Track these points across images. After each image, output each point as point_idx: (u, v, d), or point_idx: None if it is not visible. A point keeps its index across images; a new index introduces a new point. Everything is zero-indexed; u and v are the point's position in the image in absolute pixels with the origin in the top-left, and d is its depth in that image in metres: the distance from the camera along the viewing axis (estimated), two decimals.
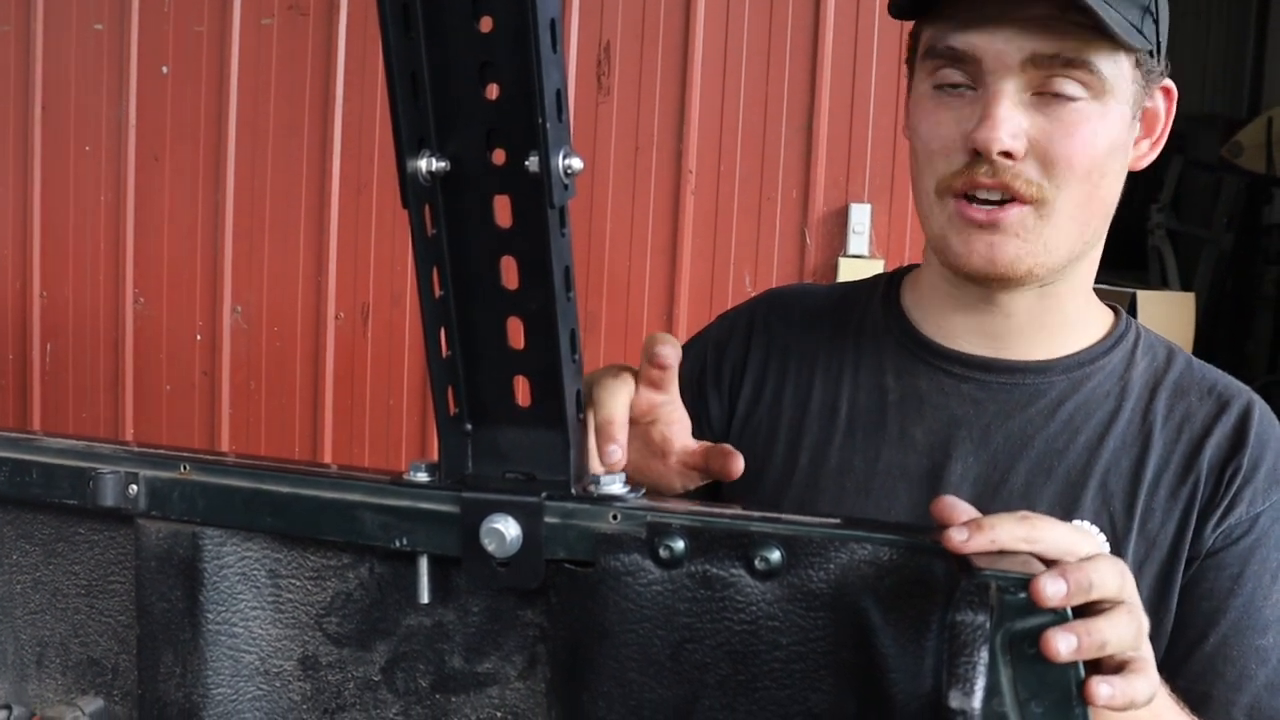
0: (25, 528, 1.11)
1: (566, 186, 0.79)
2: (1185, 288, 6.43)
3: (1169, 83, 1.20)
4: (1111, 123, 1.12)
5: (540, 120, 0.77)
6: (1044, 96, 1.10)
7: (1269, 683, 1.13)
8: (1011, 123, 1.09)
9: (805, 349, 1.30)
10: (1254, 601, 1.14)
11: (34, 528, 1.10)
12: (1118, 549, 1.15)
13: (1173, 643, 1.16)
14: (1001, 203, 1.11)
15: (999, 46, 1.09)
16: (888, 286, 1.33)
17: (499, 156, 0.80)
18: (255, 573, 0.99)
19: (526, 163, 0.78)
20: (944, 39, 1.12)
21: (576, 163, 0.79)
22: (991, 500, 1.17)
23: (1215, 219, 7.20)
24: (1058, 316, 1.22)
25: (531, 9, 0.75)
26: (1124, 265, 6.68)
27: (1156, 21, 1.13)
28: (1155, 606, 1.15)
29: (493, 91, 0.79)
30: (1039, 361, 1.22)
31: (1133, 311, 4.68)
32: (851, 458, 1.23)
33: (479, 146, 0.80)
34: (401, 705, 0.98)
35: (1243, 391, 1.22)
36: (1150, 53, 1.13)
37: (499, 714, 0.96)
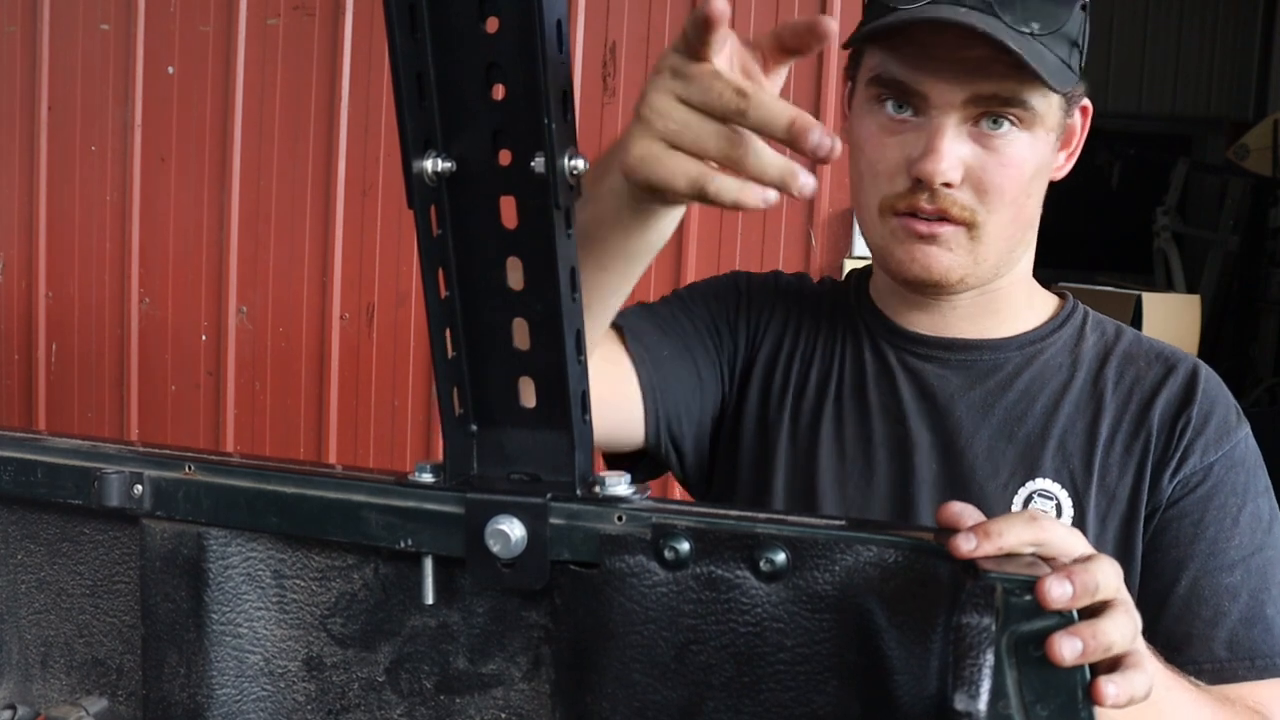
0: (30, 527, 1.11)
1: (572, 187, 0.79)
2: (1191, 290, 6.42)
3: (1087, 102, 1.29)
4: (1040, 150, 1.23)
5: (546, 121, 0.77)
6: (980, 128, 1.20)
7: (1243, 616, 1.20)
8: (953, 155, 1.19)
9: (809, 326, 1.41)
10: (1218, 543, 1.22)
11: (39, 527, 1.10)
12: (1080, 504, 1.24)
13: (1149, 592, 1.23)
14: (940, 219, 1.21)
15: (944, 86, 1.18)
16: (858, 281, 1.44)
17: (505, 157, 0.80)
18: (260, 573, 0.99)
19: (532, 163, 0.78)
20: (892, 73, 1.20)
21: (582, 163, 0.79)
22: (958, 465, 1.27)
23: (1221, 221, 7.19)
24: (1001, 305, 1.33)
25: (538, 10, 0.75)
26: (1129, 268, 6.69)
27: (1081, 52, 1.22)
28: (1121, 556, 1.22)
29: (499, 92, 0.79)
30: (993, 340, 1.32)
31: (1138, 313, 4.67)
32: (841, 428, 1.33)
33: (485, 147, 0.80)
34: (406, 706, 0.98)
35: (1188, 357, 1.31)
36: (1077, 79, 1.22)
37: (503, 715, 0.96)
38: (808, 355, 1.39)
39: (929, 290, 1.28)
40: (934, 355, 1.33)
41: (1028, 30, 1.15)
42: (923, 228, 1.22)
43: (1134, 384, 1.28)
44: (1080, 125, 1.30)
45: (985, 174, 1.20)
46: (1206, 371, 1.30)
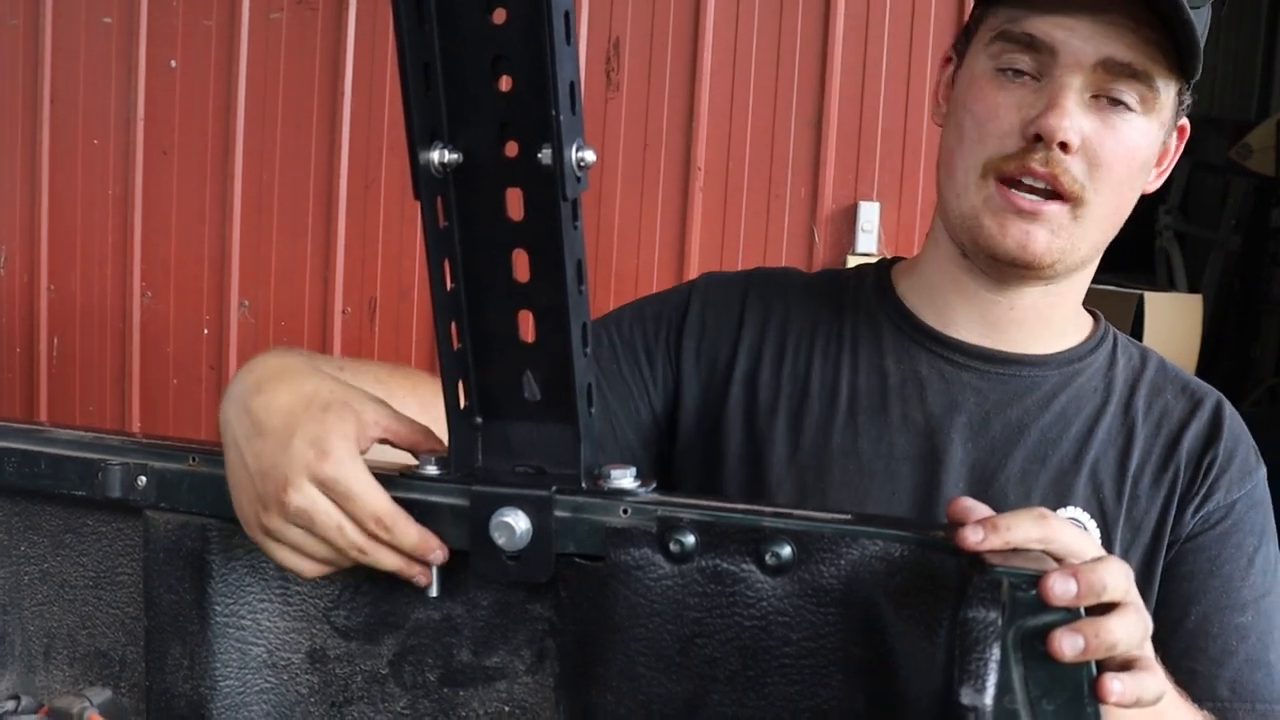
0: (33, 519, 1.11)
1: (579, 179, 0.79)
2: (1192, 290, 6.41)
3: (1185, 122, 1.24)
4: (1152, 139, 1.18)
5: (554, 112, 0.76)
6: (1100, 100, 1.14)
7: (1249, 658, 1.18)
8: (1077, 116, 1.13)
9: (802, 327, 1.31)
10: (1231, 582, 1.20)
11: (42, 519, 1.10)
12: (1108, 534, 1.20)
13: (1157, 622, 1.18)
14: (1045, 196, 1.15)
15: (1077, 44, 1.12)
16: (878, 273, 1.34)
17: (511, 149, 0.80)
18: (263, 565, 0.99)
19: (539, 155, 0.78)
20: (1023, 25, 1.15)
21: (589, 155, 0.79)
22: (989, 486, 1.21)
23: (1223, 221, 7.18)
24: (1057, 315, 1.27)
25: (545, 1, 0.74)
26: (1131, 267, 6.67)
27: (1202, 55, 1.15)
28: (1140, 588, 1.16)
29: (506, 83, 0.78)
30: (1034, 355, 1.26)
31: (1140, 313, 4.66)
32: (856, 440, 1.24)
33: (491, 139, 0.80)
34: (409, 699, 0.98)
35: (1212, 391, 1.29)
36: (1188, 86, 1.18)
37: (507, 708, 0.95)
38: (802, 361, 1.29)
39: (1017, 269, 1.19)
40: (970, 365, 1.25)
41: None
42: (1025, 204, 1.15)
43: (1162, 415, 1.25)
44: (1176, 146, 1.25)
45: (1101, 149, 1.14)
46: (1230, 409, 1.27)
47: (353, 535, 0.89)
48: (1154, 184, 1.24)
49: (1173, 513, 1.21)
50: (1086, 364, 1.27)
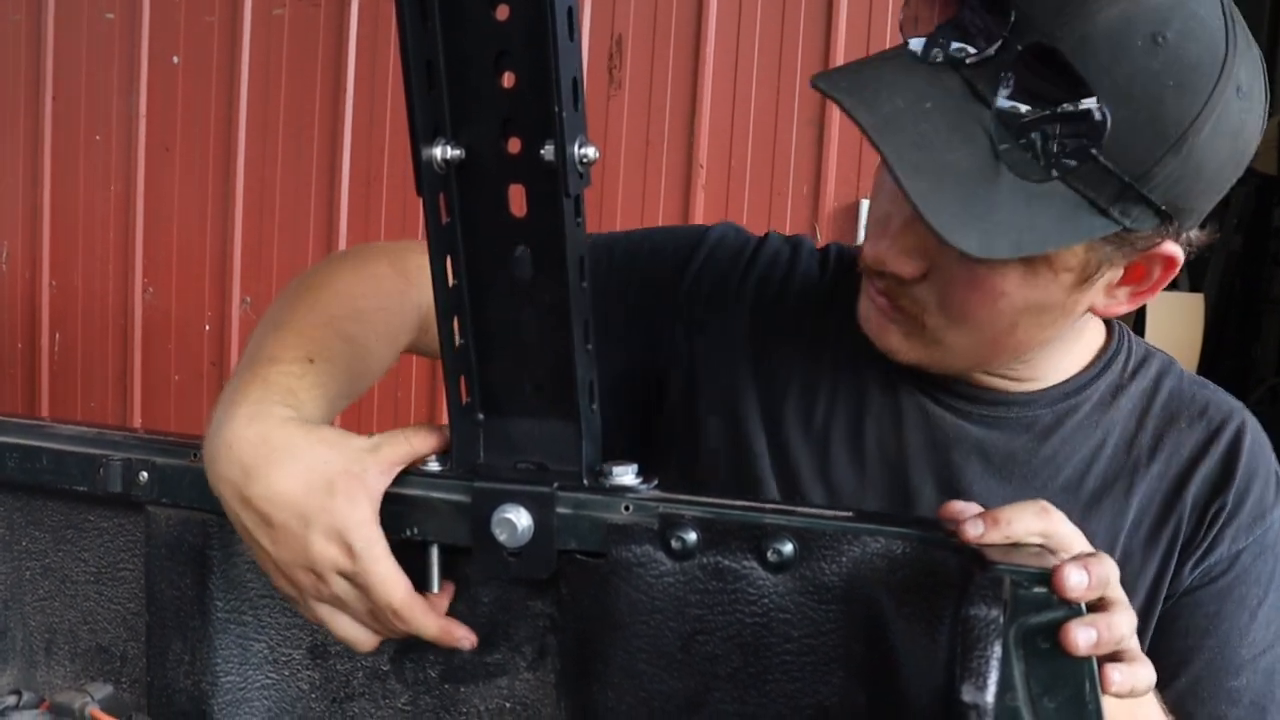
0: (34, 514, 1.11)
1: (581, 175, 0.79)
2: (1194, 289, 6.41)
3: (1174, 251, 0.99)
4: (1039, 290, 0.99)
5: (556, 109, 0.76)
6: None
7: None
8: (907, 245, 1.00)
9: (794, 325, 1.21)
10: (1229, 641, 1.11)
11: (43, 514, 1.10)
12: None
13: None
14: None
15: None
16: None
17: (514, 145, 0.80)
18: None
19: (542, 151, 0.78)
20: None
21: (592, 152, 0.79)
22: None
23: (1225, 221, 7.18)
24: (1034, 369, 1.14)
25: None
26: None
27: (1150, 200, 0.92)
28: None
29: (509, 80, 0.79)
30: (1024, 393, 1.14)
31: (1141, 313, 4.65)
32: (829, 465, 1.16)
33: (494, 135, 0.80)
34: (410, 695, 0.98)
35: (1234, 413, 1.15)
36: (1126, 229, 0.93)
37: (508, 704, 0.95)
38: (784, 369, 1.19)
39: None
40: (952, 405, 1.13)
41: (1035, 172, 0.90)
42: (874, 293, 1.06)
43: (1172, 454, 1.12)
44: (1160, 275, 1.02)
45: (950, 287, 1.00)
46: (1252, 435, 1.14)
47: (383, 618, 0.92)
48: (1123, 307, 1.05)
49: (1172, 565, 1.12)
50: (1085, 396, 1.14)
